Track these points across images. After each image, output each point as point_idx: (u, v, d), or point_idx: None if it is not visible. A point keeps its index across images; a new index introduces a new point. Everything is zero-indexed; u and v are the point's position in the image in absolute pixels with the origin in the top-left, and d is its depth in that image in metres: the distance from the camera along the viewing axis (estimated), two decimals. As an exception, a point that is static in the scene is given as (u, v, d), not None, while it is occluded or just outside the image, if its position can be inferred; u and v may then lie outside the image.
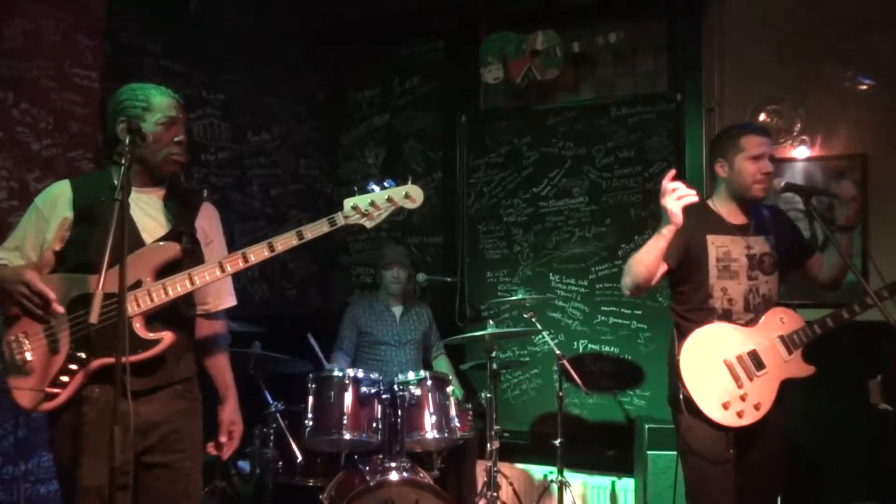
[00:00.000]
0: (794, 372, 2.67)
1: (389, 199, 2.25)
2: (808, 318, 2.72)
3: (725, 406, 2.56)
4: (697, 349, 2.64)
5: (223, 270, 2.19)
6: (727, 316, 2.70)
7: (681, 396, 2.60)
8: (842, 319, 2.64)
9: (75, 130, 3.43)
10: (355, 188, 2.26)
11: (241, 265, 2.20)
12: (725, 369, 2.61)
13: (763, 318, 2.70)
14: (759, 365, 2.63)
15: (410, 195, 2.28)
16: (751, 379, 2.61)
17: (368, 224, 2.24)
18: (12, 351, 2.09)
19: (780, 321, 2.70)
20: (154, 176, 2.29)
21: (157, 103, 2.23)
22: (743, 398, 2.58)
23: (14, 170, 3.21)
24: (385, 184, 2.27)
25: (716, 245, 2.72)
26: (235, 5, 4.41)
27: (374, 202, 2.23)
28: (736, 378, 2.60)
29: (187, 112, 2.37)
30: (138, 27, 3.78)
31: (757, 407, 2.58)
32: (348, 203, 2.23)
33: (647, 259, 2.61)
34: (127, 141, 2.03)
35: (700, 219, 2.76)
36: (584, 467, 4.28)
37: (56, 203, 2.22)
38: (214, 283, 2.27)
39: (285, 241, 2.20)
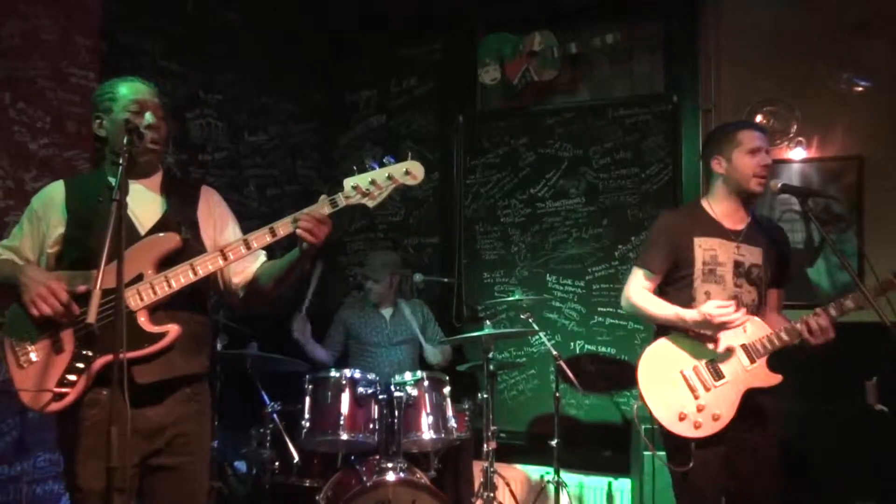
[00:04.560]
0: (758, 381, 2.63)
1: (390, 177, 2.19)
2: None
3: (681, 417, 2.56)
4: (655, 361, 2.67)
5: (226, 259, 2.16)
6: None
7: (635, 406, 2.64)
8: (803, 332, 2.60)
9: (72, 130, 3.43)
10: (354, 167, 2.20)
11: (244, 252, 2.17)
12: (682, 380, 2.61)
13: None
14: (718, 375, 2.61)
15: (411, 171, 2.22)
16: (707, 389, 2.59)
17: (370, 203, 2.19)
18: (16, 354, 2.07)
19: (742, 330, 2.66)
20: (136, 167, 2.21)
21: (122, 93, 2.22)
22: (699, 409, 2.57)
23: (10, 169, 3.21)
24: (385, 160, 2.21)
25: (702, 248, 2.69)
26: (232, 5, 4.41)
27: (374, 181, 2.17)
28: (692, 389, 2.59)
29: (162, 99, 2.31)
30: (135, 27, 3.78)
31: (715, 418, 2.56)
32: (348, 183, 2.17)
33: (654, 319, 2.71)
34: (125, 141, 2.02)
35: (690, 220, 2.76)
36: (580, 468, 4.28)
37: (50, 204, 2.22)
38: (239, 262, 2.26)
39: (286, 225, 2.16)
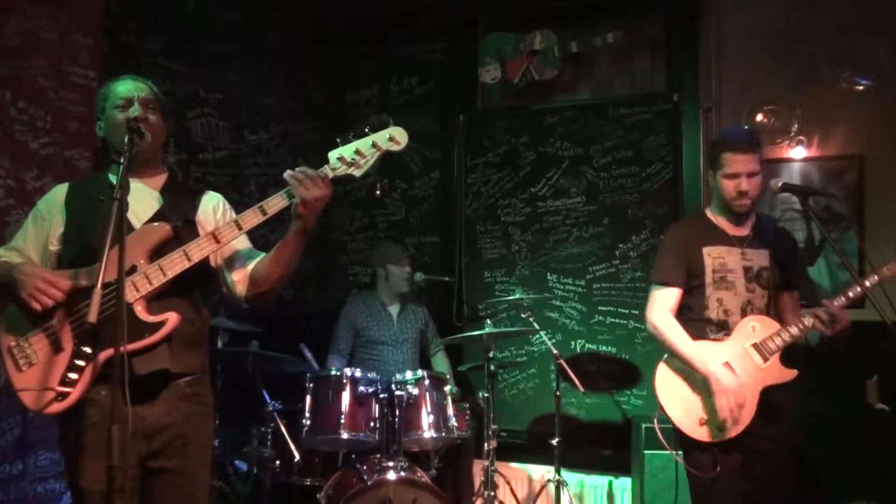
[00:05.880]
0: (774, 378, 2.64)
1: (374, 145, 2.16)
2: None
3: (701, 422, 2.60)
4: (670, 371, 2.72)
5: (218, 241, 2.13)
6: (723, 326, 2.71)
7: (655, 418, 2.67)
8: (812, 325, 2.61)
9: (73, 129, 3.42)
10: (338, 139, 2.18)
11: (236, 233, 2.16)
12: (700, 386, 2.64)
13: (735, 327, 2.69)
14: None
15: (394, 137, 2.18)
16: None
17: (357, 173, 2.17)
18: (14, 357, 2.05)
19: (751, 329, 2.68)
20: (134, 162, 2.14)
21: (113, 91, 2.23)
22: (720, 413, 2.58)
23: (12, 168, 3.20)
24: (366, 129, 2.19)
25: (711, 256, 2.74)
26: (233, 5, 4.41)
27: (358, 150, 2.15)
28: (710, 394, 2.60)
29: (160, 96, 2.31)
30: (136, 26, 3.78)
31: (736, 420, 2.58)
32: (333, 155, 2.16)
33: (674, 352, 2.70)
34: (126, 139, 2.01)
35: (697, 231, 2.80)
36: (581, 467, 4.28)
37: (53, 204, 2.24)
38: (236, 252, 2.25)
39: (276, 203, 2.14)
